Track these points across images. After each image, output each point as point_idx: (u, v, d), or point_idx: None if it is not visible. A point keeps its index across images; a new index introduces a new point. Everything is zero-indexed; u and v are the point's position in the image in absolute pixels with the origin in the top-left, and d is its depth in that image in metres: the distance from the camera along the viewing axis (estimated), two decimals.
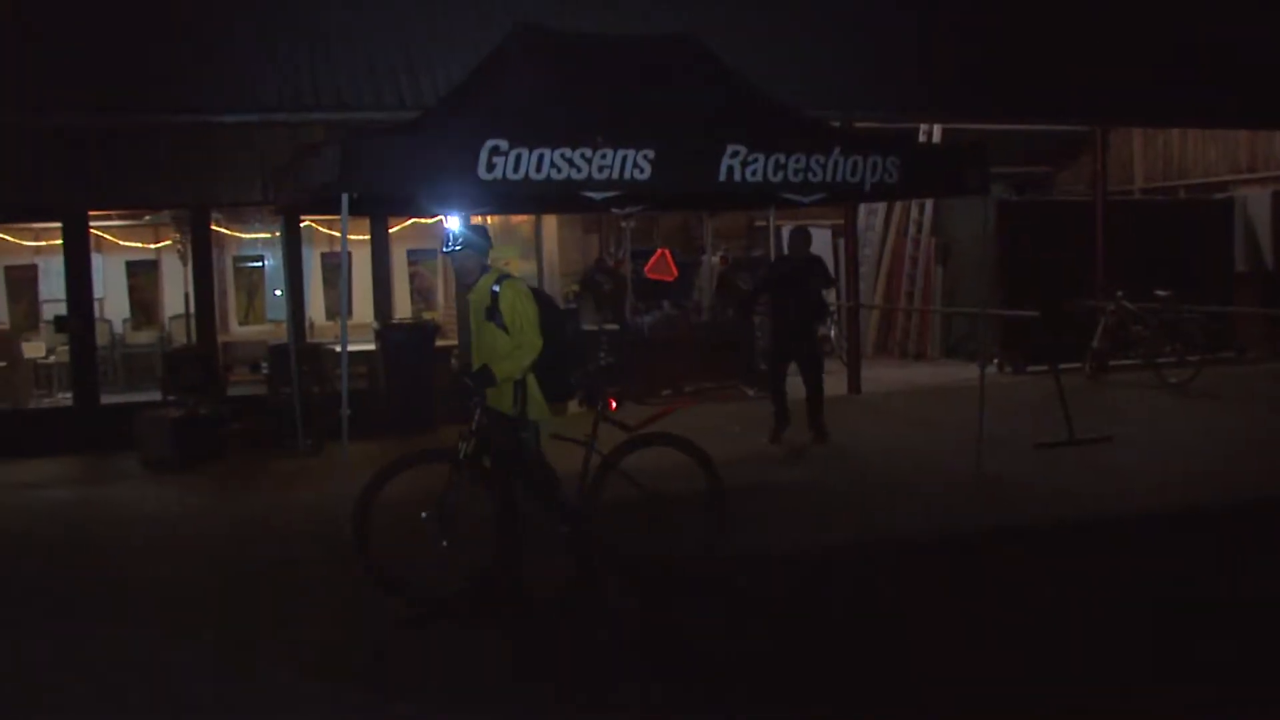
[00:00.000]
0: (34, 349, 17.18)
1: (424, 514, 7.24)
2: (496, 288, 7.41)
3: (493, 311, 7.41)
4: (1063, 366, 12.67)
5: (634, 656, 6.60)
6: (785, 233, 13.36)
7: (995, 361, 16.89)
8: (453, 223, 8.51)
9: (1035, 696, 5.77)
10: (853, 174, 9.29)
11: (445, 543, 7.22)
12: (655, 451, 7.77)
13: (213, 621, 7.42)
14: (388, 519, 7.22)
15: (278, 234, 15.27)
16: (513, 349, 7.33)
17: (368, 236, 15.15)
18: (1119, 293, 16.34)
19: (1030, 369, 16.57)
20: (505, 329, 7.35)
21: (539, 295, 7.72)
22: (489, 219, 15.79)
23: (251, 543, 9.25)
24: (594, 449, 7.63)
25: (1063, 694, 5.81)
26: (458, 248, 7.50)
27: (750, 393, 15.81)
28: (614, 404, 7.79)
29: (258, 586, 8.13)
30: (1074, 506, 9.53)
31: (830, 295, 19.96)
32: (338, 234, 14.30)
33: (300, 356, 12.34)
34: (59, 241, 14.50)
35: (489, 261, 7.65)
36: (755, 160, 8.85)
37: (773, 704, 5.84)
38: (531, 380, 7.45)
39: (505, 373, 7.33)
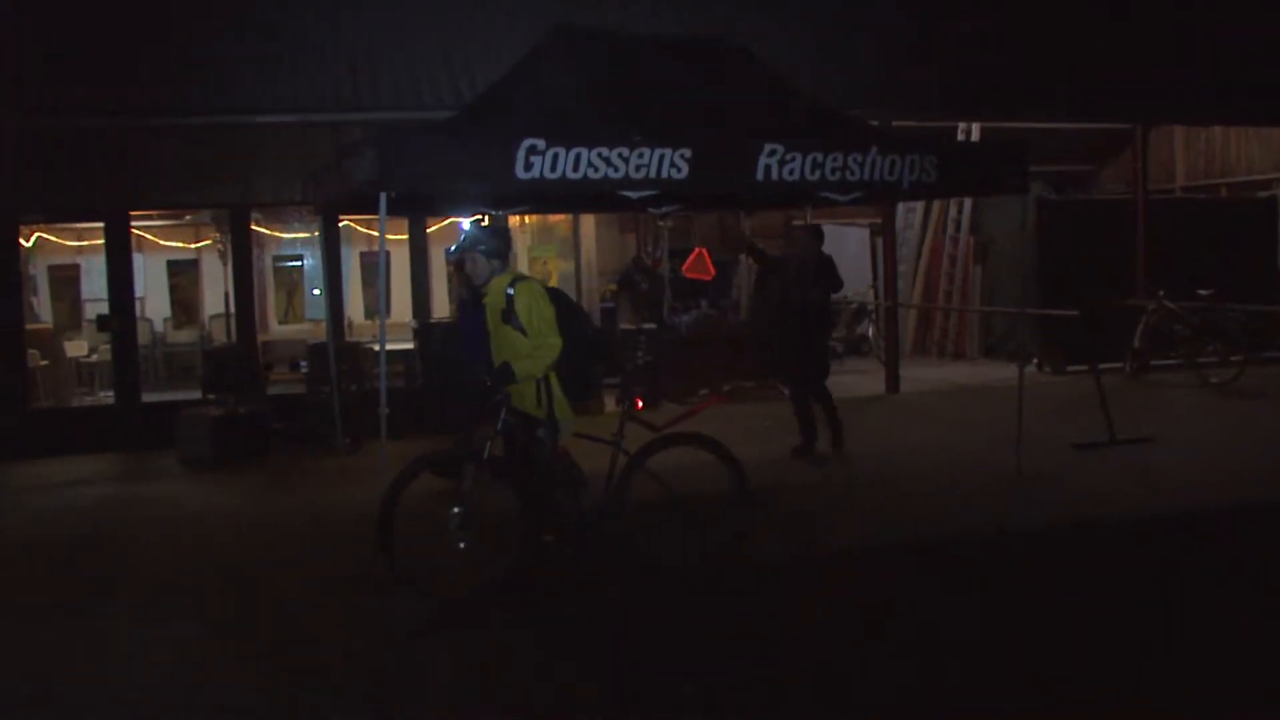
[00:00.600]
0: (76, 347, 17.37)
1: (455, 510, 7.27)
2: (511, 290, 7.40)
3: (509, 314, 7.41)
4: (1103, 366, 12.57)
5: (652, 661, 6.52)
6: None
7: (1034, 361, 16.78)
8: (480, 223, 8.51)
9: (1072, 700, 5.73)
10: (891, 172, 9.25)
11: (466, 542, 7.26)
12: (684, 451, 7.74)
13: (243, 618, 7.47)
14: (413, 518, 7.25)
15: (317, 233, 15.36)
16: (532, 349, 7.33)
17: (406, 236, 15.23)
18: (1160, 292, 16.22)
19: (1070, 369, 16.45)
20: (523, 331, 7.35)
21: (556, 295, 7.69)
22: (526, 218, 15.84)
23: (285, 542, 9.29)
24: (621, 448, 7.62)
25: (1098, 696, 5.77)
26: (465, 249, 7.53)
27: (787, 392, 15.74)
28: (640, 403, 7.77)
29: (287, 586, 8.14)
30: (1113, 507, 9.46)
31: (869, 295, 20.00)
32: (376, 233, 14.37)
33: (339, 355, 12.40)
34: (101, 241, 14.64)
35: (504, 262, 7.62)
36: (793, 159, 8.83)
37: (798, 710, 5.79)
38: (555, 380, 7.45)
39: (525, 372, 7.33)
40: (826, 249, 12.05)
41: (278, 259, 19.12)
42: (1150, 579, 7.61)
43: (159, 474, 12.40)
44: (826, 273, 11.85)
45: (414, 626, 7.15)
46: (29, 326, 14.82)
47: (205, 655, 6.77)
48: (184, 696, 6.15)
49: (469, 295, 9.72)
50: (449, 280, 17.60)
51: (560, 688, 6.15)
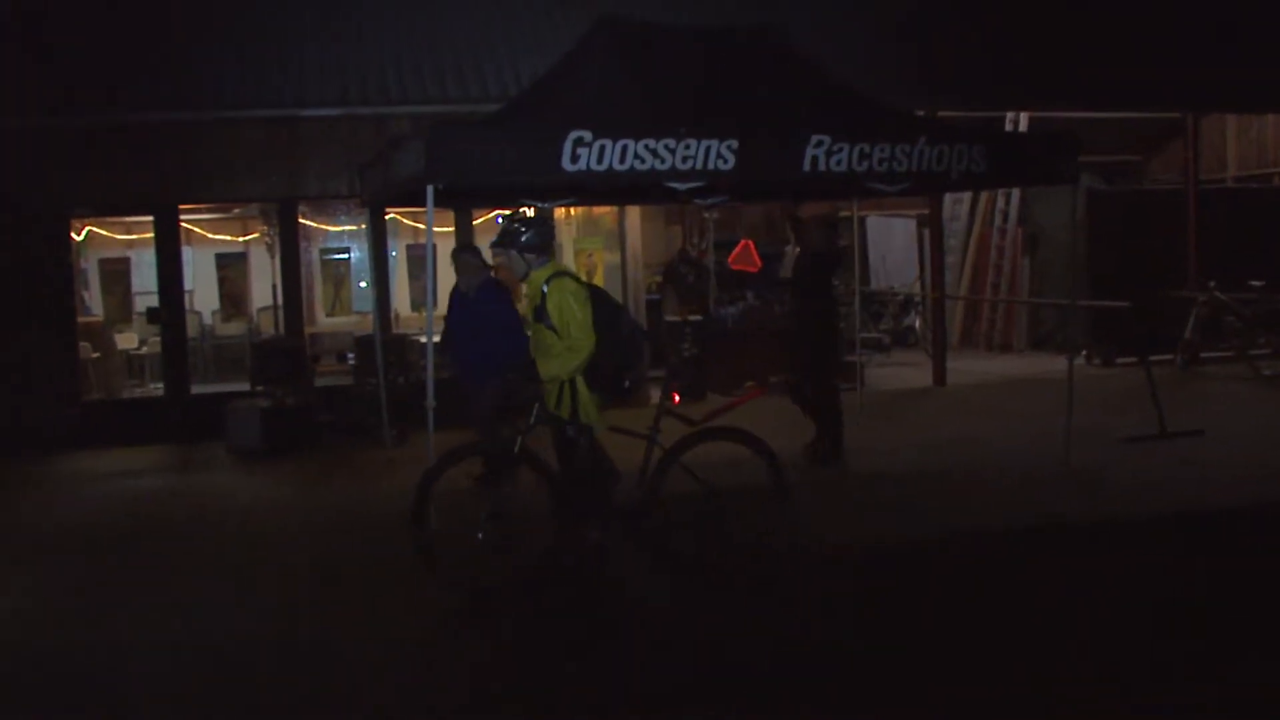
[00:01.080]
0: (126, 340, 17.55)
1: (487, 502, 7.30)
2: (546, 287, 7.36)
3: (540, 311, 7.38)
4: (1153, 358, 12.44)
5: (683, 655, 6.49)
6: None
7: (1083, 353, 16.64)
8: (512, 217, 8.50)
9: (1119, 694, 5.69)
10: (939, 163, 9.20)
11: (498, 534, 7.27)
12: (721, 445, 7.70)
13: (284, 606, 7.53)
14: (446, 509, 7.31)
15: (364, 226, 15.41)
16: (562, 350, 7.28)
17: (452, 228, 15.26)
18: (1211, 283, 16.05)
19: (1119, 361, 16.30)
20: (555, 329, 7.31)
21: (596, 294, 7.60)
22: (572, 211, 15.84)
23: (329, 533, 9.35)
24: (656, 442, 7.58)
25: (1146, 689, 5.72)
26: (500, 243, 7.53)
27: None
28: (677, 397, 7.73)
29: (327, 576, 8.24)
30: (1163, 501, 9.35)
31: (916, 287, 19.89)
32: (422, 226, 14.39)
33: (386, 348, 12.45)
34: (150, 235, 14.78)
35: (543, 256, 7.55)
36: (840, 150, 8.79)
37: (832, 709, 5.73)
38: (581, 383, 7.39)
39: (549, 372, 7.28)
40: (873, 241, 11.82)
41: (325, 252, 19.23)
42: (1203, 574, 7.53)
43: (209, 465, 12.52)
44: (816, 269, 11.16)
45: (445, 616, 7.20)
46: (80, 319, 14.98)
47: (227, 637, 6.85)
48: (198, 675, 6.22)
49: (464, 289, 9.74)
50: (494, 272, 17.64)
51: (585, 680, 6.14)
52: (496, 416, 9.46)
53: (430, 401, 8.36)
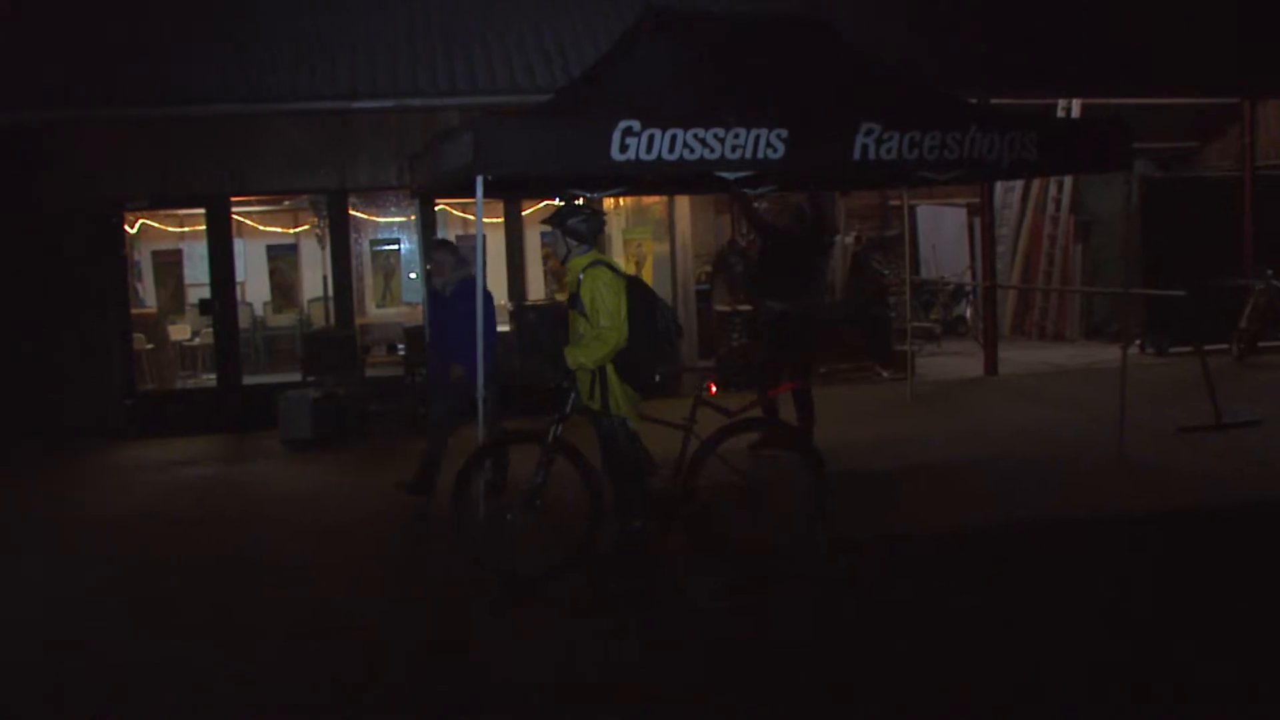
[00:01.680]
0: (179, 331, 17.72)
1: (523, 491, 7.33)
2: (582, 274, 7.35)
3: (574, 299, 7.38)
4: (1208, 348, 12.29)
5: (717, 645, 6.48)
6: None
7: (1137, 342, 16.47)
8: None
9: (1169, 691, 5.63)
10: (990, 151, 9.12)
11: (533, 523, 7.32)
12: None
13: (331, 597, 7.59)
14: (483, 499, 7.41)
15: (413, 217, 15.47)
16: (590, 339, 7.26)
17: (501, 219, 15.31)
18: (1268, 271, 15.84)
19: (1174, 350, 16.12)
20: (587, 317, 7.30)
21: (632, 284, 7.54)
22: (621, 201, 15.83)
23: (379, 521, 9.43)
24: (693, 433, 7.58)
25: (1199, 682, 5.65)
26: (551, 221, 7.54)
27: (885, 374, 15.65)
28: (713, 388, 7.71)
29: (373, 564, 8.34)
30: (1219, 492, 9.25)
31: (966, 276, 19.74)
32: (472, 217, 14.44)
33: None
34: (202, 227, 14.91)
35: (585, 244, 7.52)
36: (890, 138, 8.72)
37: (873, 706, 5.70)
38: (612, 373, 7.36)
39: (575, 360, 7.27)
40: (924, 230, 11.65)
41: (375, 243, 19.28)
42: (1259, 568, 7.44)
43: (260, 454, 12.64)
44: (778, 254, 10.75)
45: (480, 604, 7.24)
46: (134, 311, 15.13)
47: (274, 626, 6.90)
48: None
49: (439, 287, 9.59)
50: (544, 262, 17.67)
51: (620, 669, 6.16)
52: (448, 425, 9.38)
53: (480, 391, 8.38)
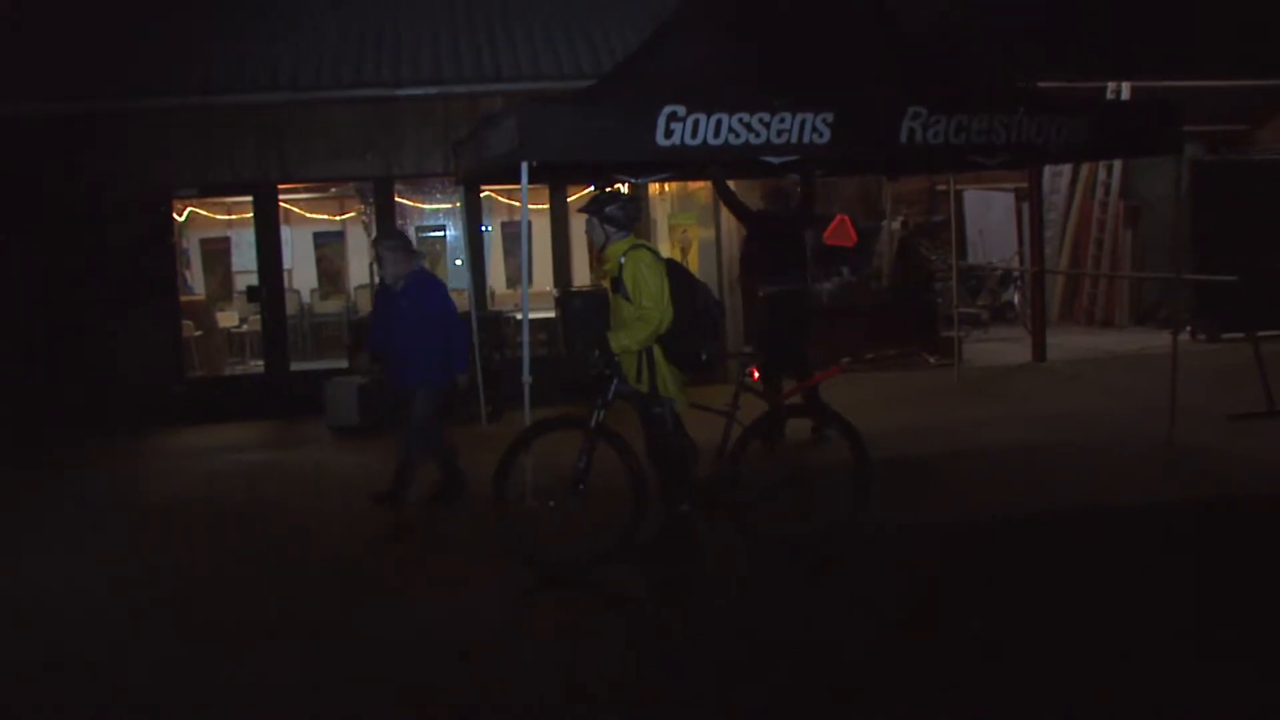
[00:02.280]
0: (227, 318, 17.88)
1: (576, 483, 7.30)
2: (623, 259, 7.30)
3: (618, 282, 7.34)
4: (1261, 334, 12.13)
5: (762, 633, 6.45)
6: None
7: (1188, 328, 16.29)
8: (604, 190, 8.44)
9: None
10: (1038, 135, 9.04)
11: (575, 510, 7.29)
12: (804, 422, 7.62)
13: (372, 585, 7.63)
14: (525, 486, 7.42)
15: (458, 204, 15.50)
16: (633, 320, 7.22)
17: (547, 205, 15.32)
18: None
19: (1225, 336, 15.93)
20: (630, 300, 7.26)
21: (672, 266, 7.47)
22: (666, 186, 15.80)
23: (420, 507, 9.43)
24: (735, 419, 7.55)
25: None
26: (587, 209, 7.50)
27: (932, 360, 15.56)
28: (756, 374, 7.66)
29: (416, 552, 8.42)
30: (1270, 479, 9.13)
31: (1014, 261, 19.56)
32: (517, 203, 14.46)
33: (481, 325, 12.49)
34: (250, 215, 15.01)
35: (623, 230, 7.44)
36: (937, 122, 8.67)
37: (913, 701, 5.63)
38: (659, 355, 7.30)
39: (620, 343, 7.23)
40: (971, 215, 11.53)
41: (420, 230, 19.36)
42: None
43: (308, 440, 12.72)
44: (765, 236, 10.77)
45: (521, 591, 7.26)
46: (183, 298, 15.26)
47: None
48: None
49: (389, 282, 9.29)
50: (588, 248, 17.66)
51: (660, 656, 6.17)
52: (435, 424, 9.27)
53: (526, 377, 8.39)
